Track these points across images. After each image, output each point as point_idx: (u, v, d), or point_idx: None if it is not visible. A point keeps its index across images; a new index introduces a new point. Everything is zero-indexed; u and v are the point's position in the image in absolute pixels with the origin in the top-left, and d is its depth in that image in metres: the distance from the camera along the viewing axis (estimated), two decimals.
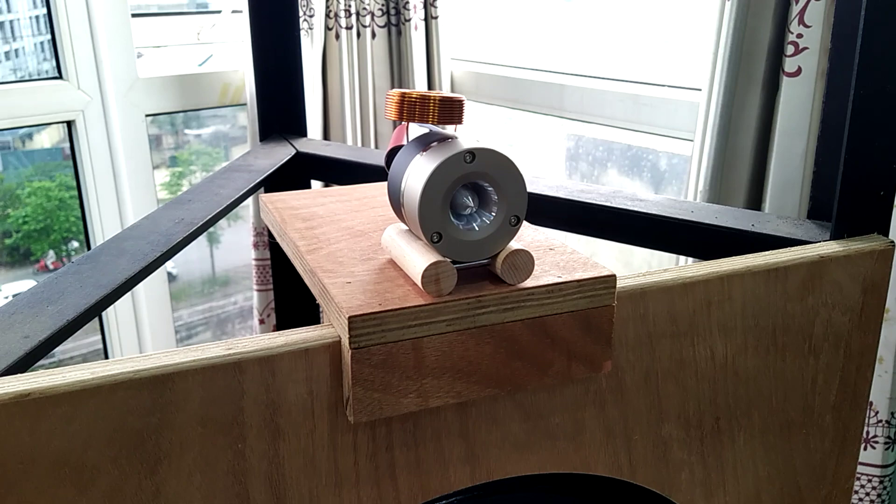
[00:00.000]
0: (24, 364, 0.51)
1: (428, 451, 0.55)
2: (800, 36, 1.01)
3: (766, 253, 0.62)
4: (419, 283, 0.49)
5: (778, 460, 0.67)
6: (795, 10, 1.00)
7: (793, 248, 0.63)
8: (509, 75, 1.67)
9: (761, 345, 0.63)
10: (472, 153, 0.48)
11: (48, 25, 1.56)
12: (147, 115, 1.66)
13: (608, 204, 0.75)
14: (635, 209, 0.74)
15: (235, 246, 2.10)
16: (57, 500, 0.46)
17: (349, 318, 0.47)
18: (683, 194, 1.20)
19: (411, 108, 0.51)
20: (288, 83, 0.98)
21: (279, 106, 0.99)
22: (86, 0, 1.55)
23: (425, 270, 0.48)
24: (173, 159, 2.18)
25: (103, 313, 1.67)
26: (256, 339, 0.49)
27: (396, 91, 0.51)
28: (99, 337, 1.76)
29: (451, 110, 0.51)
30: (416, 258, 0.50)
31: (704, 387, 0.62)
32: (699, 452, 0.64)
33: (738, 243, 0.70)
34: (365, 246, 0.58)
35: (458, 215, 0.50)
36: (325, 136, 1.64)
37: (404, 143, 0.54)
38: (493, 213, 0.50)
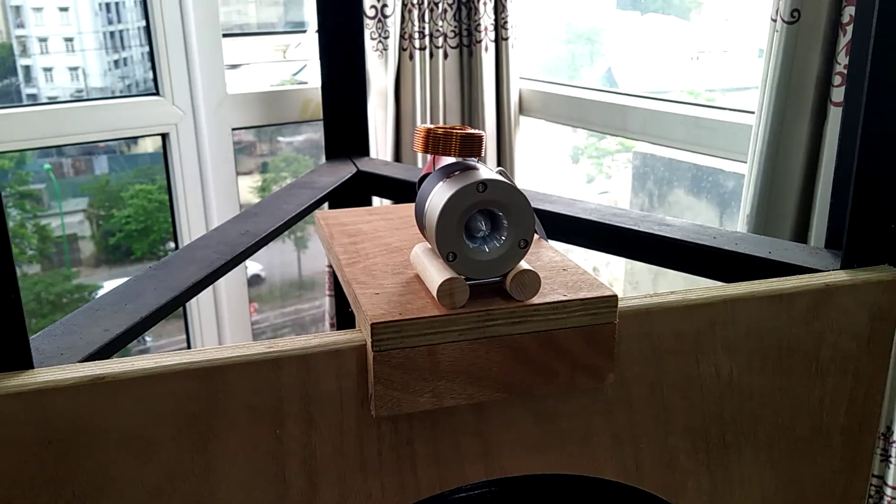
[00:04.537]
0: (104, 353, 0.60)
1: (445, 447, 0.61)
2: (847, 67, 1.03)
3: (773, 279, 0.66)
4: (435, 297, 0.56)
5: (786, 476, 0.71)
6: (843, 41, 1.02)
7: (800, 276, 0.67)
8: (575, 95, 1.73)
9: (766, 365, 0.67)
10: (485, 184, 0.55)
11: (148, 45, 1.70)
12: (233, 129, 1.79)
13: (636, 227, 0.80)
14: (661, 233, 0.78)
15: (322, 251, 2.18)
16: (125, 469, 0.54)
17: (372, 324, 0.54)
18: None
19: (436, 142, 0.58)
20: (353, 107, 1.06)
21: (344, 128, 1.07)
22: (182, 23, 1.68)
23: (440, 285, 0.55)
24: (265, 165, 2.29)
25: (188, 315, 1.80)
26: (294, 340, 0.57)
27: (423, 126, 0.58)
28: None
29: (471, 145, 0.58)
30: (434, 274, 0.57)
31: (710, 402, 0.67)
32: (706, 463, 0.68)
33: (756, 269, 0.74)
34: (398, 261, 0.65)
35: (473, 237, 0.57)
36: (397, 153, 1.73)
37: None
38: (504, 237, 0.57)
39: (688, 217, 1.91)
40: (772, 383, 0.68)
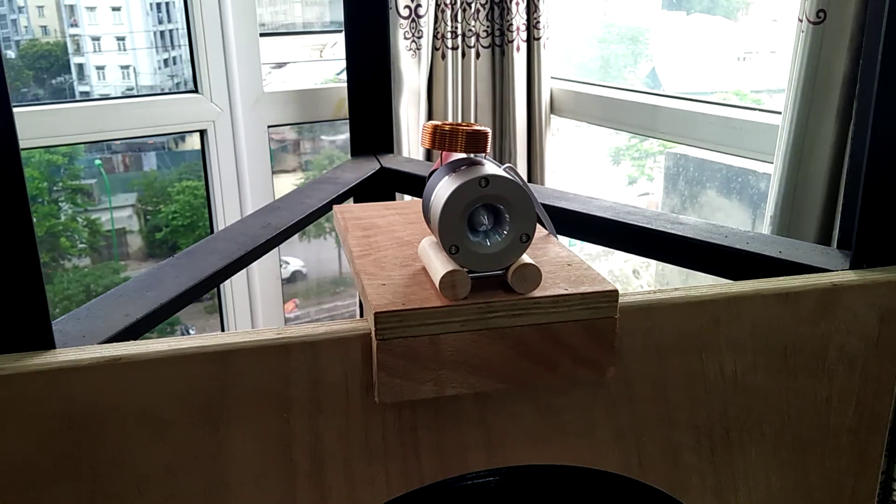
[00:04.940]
0: (124, 337, 0.63)
1: (448, 436, 0.63)
2: None
3: (779, 278, 0.67)
4: (438, 288, 0.57)
5: (792, 475, 0.71)
6: None
7: (808, 275, 0.67)
8: (605, 95, 1.73)
9: (772, 364, 0.67)
10: (487, 179, 0.57)
11: (188, 44, 1.75)
12: (269, 126, 1.82)
13: (648, 226, 0.81)
14: (673, 232, 0.79)
15: None
16: (141, 447, 0.57)
17: (375, 313, 0.56)
18: None
19: (442, 139, 0.59)
20: (379, 105, 1.08)
21: (370, 125, 1.09)
22: (220, 22, 1.72)
23: (443, 277, 0.57)
24: (308, 163, 2.33)
25: (223, 310, 1.84)
26: (302, 327, 0.59)
27: (431, 123, 0.60)
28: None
29: (476, 141, 0.59)
30: (438, 266, 0.58)
31: (714, 399, 0.67)
32: (710, 460, 0.69)
33: (765, 268, 0.74)
34: (407, 254, 0.67)
35: (475, 231, 0.58)
36: (428, 152, 1.75)
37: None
38: (506, 231, 0.58)
39: (719, 219, 1.90)
40: (777, 382, 0.68)
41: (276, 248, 1.81)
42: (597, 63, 2.30)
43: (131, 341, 0.57)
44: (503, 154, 1.83)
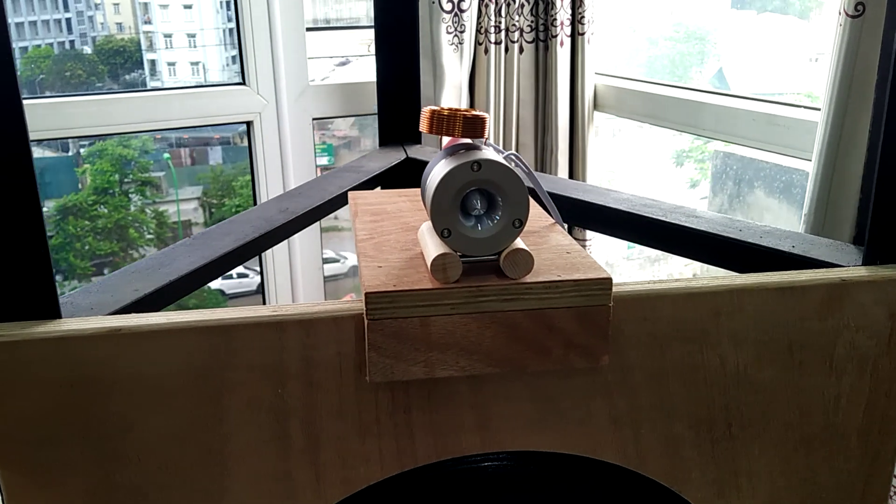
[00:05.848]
0: (131, 311, 0.65)
1: (442, 417, 0.63)
2: None
3: (785, 272, 0.65)
4: (429, 270, 0.58)
5: (798, 473, 0.70)
6: None
7: (815, 270, 0.66)
8: (648, 91, 1.71)
9: (776, 359, 0.66)
10: (480, 163, 0.57)
11: (237, 39, 1.79)
12: (314, 119, 1.86)
13: (664, 219, 0.80)
14: (688, 225, 0.78)
15: None
16: (143, 415, 0.59)
17: (366, 293, 0.57)
18: None
19: (439, 123, 0.60)
20: (406, 97, 1.10)
21: (397, 117, 1.11)
22: (268, 16, 1.76)
23: (434, 260, 0.58)
24: None
25: (268, 302, 1.88)
26: (298, 306, 0.60)
27: (429, 108, 0.61)
28: None
29: (473, 126, 0.60)
30: (431, 249, 0.59)
31: (715, 392, 0.66)
32: (711, 454, 0.68)
33: (777, 262, 0.73)
34: (410, 238, 0.68)
35: (468, 215, 0.59)
36: None
37: None
38: (499, 216, 0.58)
39: (767, 219, 1.86)
40: (782, 377, 0.67)
41: (320, 245, 1.84)
42: (662, 62, 2.27)
43: (133, 314, 0.59)
44: (544, 149, 1.82)
